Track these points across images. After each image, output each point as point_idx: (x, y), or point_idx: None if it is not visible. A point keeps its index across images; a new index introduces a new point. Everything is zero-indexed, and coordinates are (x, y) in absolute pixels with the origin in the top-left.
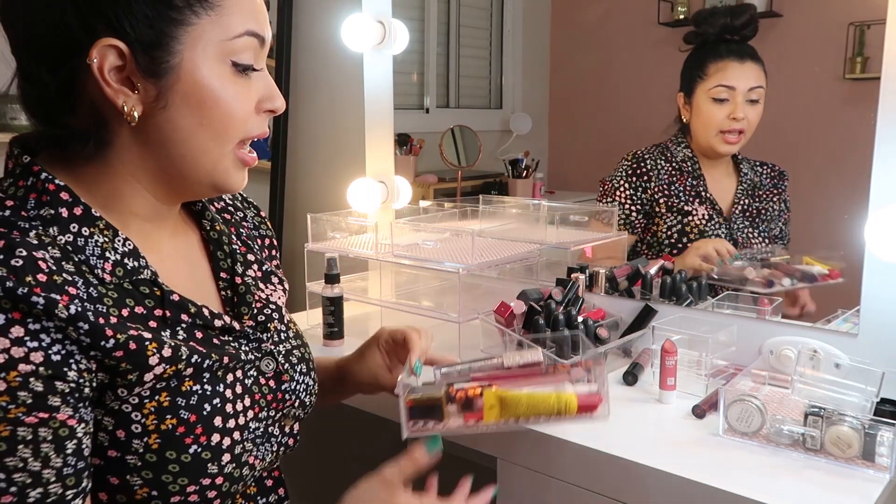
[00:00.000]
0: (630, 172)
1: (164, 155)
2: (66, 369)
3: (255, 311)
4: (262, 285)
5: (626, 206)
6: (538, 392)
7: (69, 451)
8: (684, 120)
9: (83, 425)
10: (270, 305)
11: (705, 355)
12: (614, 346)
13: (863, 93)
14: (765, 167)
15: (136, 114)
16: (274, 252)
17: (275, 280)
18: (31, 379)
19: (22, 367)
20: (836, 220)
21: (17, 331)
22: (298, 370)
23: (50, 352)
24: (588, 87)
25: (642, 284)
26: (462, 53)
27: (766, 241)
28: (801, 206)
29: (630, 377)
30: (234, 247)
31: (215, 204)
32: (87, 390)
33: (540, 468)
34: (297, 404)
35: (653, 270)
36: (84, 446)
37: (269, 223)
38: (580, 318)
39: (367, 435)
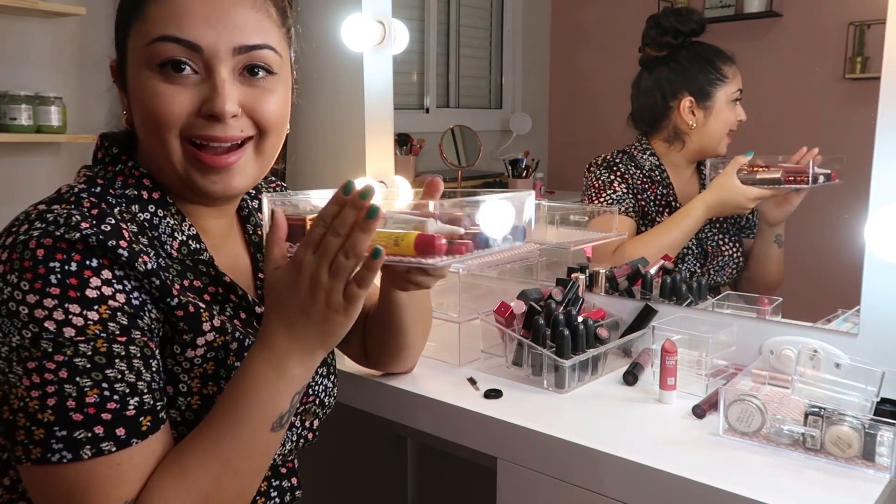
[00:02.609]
0: (612, 170)
1: (147, 153)
2: (142, 313)
3: None
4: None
5: (625, 197)
6: (393, 224)
7: (154, 369)
8: (692, 125)
9: (159, 352)
10: None
11: (705, 355)
12: (614, 345)
13: (863, 93)
14: (725, 165)
15: (126, 117)
16: None
17: None
18: (119, 314)
19: (111, 302)
20: (836, 220)
21: (106, 273)
22: (319, 372)
23: (132, 296)
24: (588, 87)
25: (642, 284)
26: (462, 53)
27: (738, 244)
28: (801, 206)
29: (630, 377)
30: None
31: (260, 214)
32: (156, 335)
33: (540, 468)
34: (316, 402)
35: (653, 270)
36: (161, 369)
37: None
38: (580, 318)
39: (369, 434)
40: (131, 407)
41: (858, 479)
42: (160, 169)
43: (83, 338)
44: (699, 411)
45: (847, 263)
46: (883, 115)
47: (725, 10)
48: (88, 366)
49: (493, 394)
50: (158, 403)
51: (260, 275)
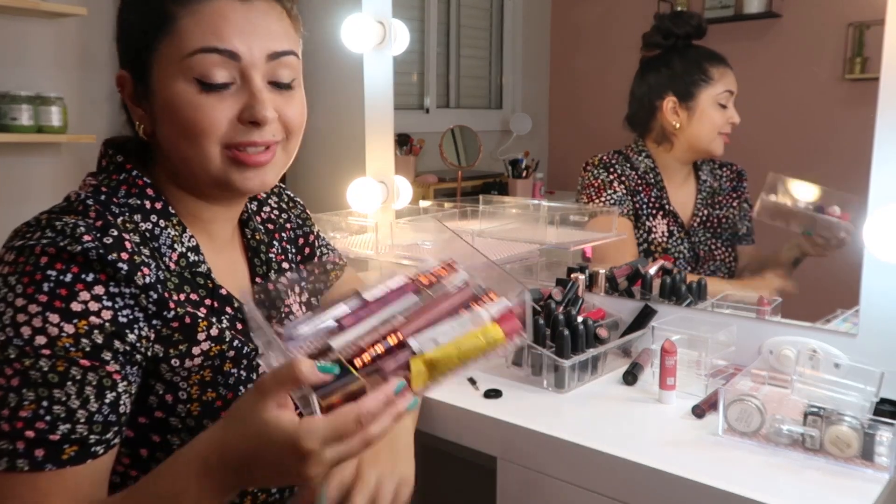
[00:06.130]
0: (610, 171)
1: (171, 162)
2: (127, 331)
3: (282, 316)
4: (289, 292)
5: (624, 198)
6: (463, 337)
7: (106, 401)
8: (675, 125)
9: (125, 384)
10: (293, 315)
11: (705, 355)
12: (614, 345)
13: (863, 93)
14: (724, 169)
15: (143, 128)
16: (317, 244)
17: (297, 289)
18: (96, 331)
19: (92, 319)
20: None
21: (99, 289)
22: None
23: (119, 314)
24: (588, 87)
25: (642, 284)
26: (462, 53)
27: (731, 249)
28: None
29: (630, 377)
30: (272, 255)
31: (262, 214)
32: (139, 356)
33: (540, 468)
34: None
35: (653, 270)
36: (121, 403)
37: (311, 218)
38: (580, 318)
39: None
40: (58, 432)
41: (857, 478)
42: (191, 175)
43: (49, 351)
44: (699, 411)
45: (846, 263)
46: (882, 116)
47: (724, 10)
48: (40, 380)
49: (492, 394)
50: (93, 436)
51: (257, 279)
